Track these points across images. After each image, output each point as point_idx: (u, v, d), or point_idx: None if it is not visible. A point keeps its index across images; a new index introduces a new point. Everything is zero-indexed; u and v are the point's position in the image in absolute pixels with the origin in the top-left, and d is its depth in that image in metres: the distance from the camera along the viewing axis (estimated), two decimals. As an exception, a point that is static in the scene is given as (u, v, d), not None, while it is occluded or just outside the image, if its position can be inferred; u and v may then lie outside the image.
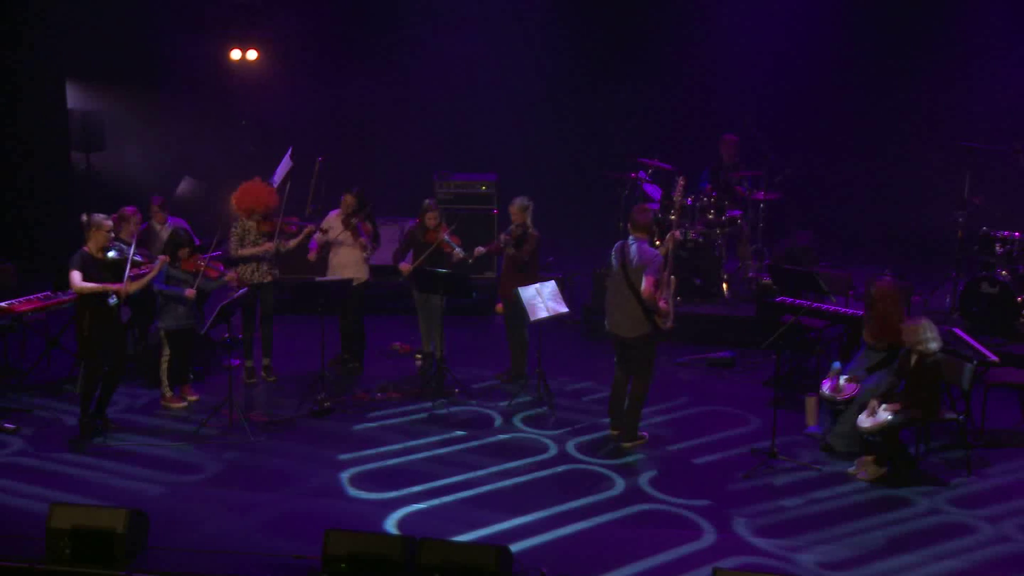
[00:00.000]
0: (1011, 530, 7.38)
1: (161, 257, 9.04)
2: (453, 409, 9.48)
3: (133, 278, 8.60)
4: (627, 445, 8.68)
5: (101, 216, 8.58)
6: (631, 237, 8.50)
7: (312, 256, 10.23)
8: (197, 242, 9.69)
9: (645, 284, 8.27)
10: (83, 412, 8.70)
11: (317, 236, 10.21)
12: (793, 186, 13.12)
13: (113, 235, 8.66)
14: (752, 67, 14.97)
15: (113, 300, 8.52)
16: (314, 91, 15.64)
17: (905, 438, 8.16)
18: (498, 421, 9.31)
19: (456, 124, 15.46)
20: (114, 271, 8.53)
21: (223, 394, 8.99)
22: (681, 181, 9.26)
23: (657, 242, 12.07)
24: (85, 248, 8.52)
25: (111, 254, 8.51)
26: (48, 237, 13.40)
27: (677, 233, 8.59)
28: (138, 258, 8.87)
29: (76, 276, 8.40)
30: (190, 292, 9.11)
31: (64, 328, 10.10)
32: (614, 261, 8.56)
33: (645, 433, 8.86)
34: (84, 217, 8.67)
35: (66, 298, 9.46)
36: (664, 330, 8.50)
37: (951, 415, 8.26)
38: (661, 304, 8.34)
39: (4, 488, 7.79)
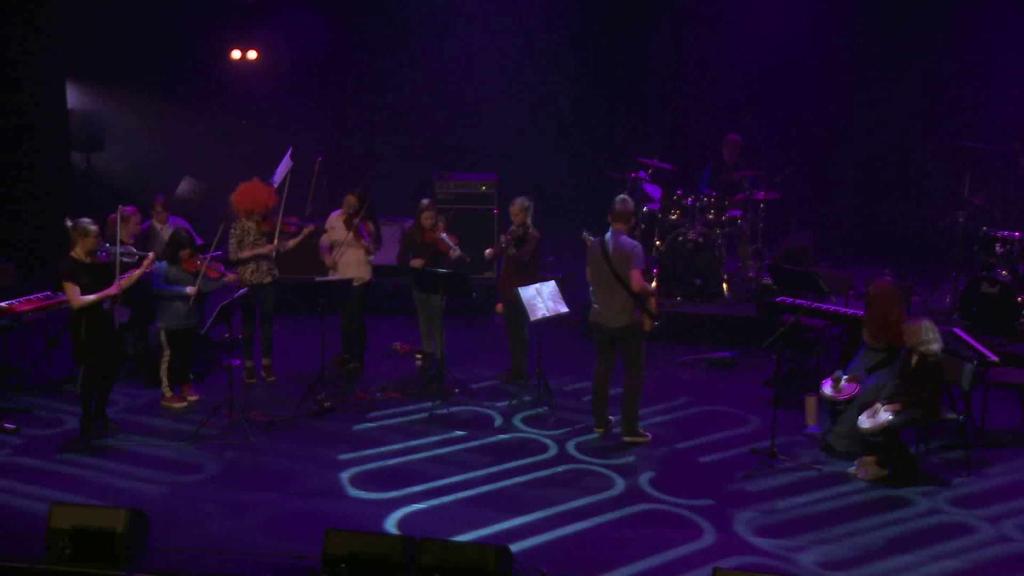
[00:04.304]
0: (1011, 530, 7.38)
1: (149, 254, 8.99)
2: (453, 409, 9.48)
3: (124, 278, 8.59)
4: (627, 439, 8.68)
5: (87, 221, 8.46)
6: (612, 228, 8.55)
7: (329, 260, 10.19)
8: (199, 242, 9.70)
9: (634, 278, 8.33)
10: (84, 413, 8.69)
11: (322, 237, 10.21)
12: (793, 186, 13.13)
13: (101, 238, 8.60)
14: (752, 66, 14.99)
15: (107, 304, 8.51)
16: (314, 90, 15.65)
17: (905, 438, 8.16)
18: (498, 421, 9.31)
19: (456, 124, 15.47)
20: (103, 274, 8.51)
21: (223, 394, 8.99)
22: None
23: (657, 242, 12.16)
24: (72, 254, 8.44)
25: (100, 255, 8.49)
26: (48, 237, 13.40)
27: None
28: (126, 260, 8.81)
29: (75, 291, 8.35)
30: (191, 289, 9.11)
31: (64, 328, 10.08)
32: (595, 253, 8.57)
33: (649, 434, 8.85)
34: (68, 222, 8.58)
35: (66, 298, 9.44)
36: (648, 330, 8.56)
37: (951, 415, 8.26)
38: (652, 301, 8.41)
39: (4, 488, 7.78)
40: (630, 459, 8.48)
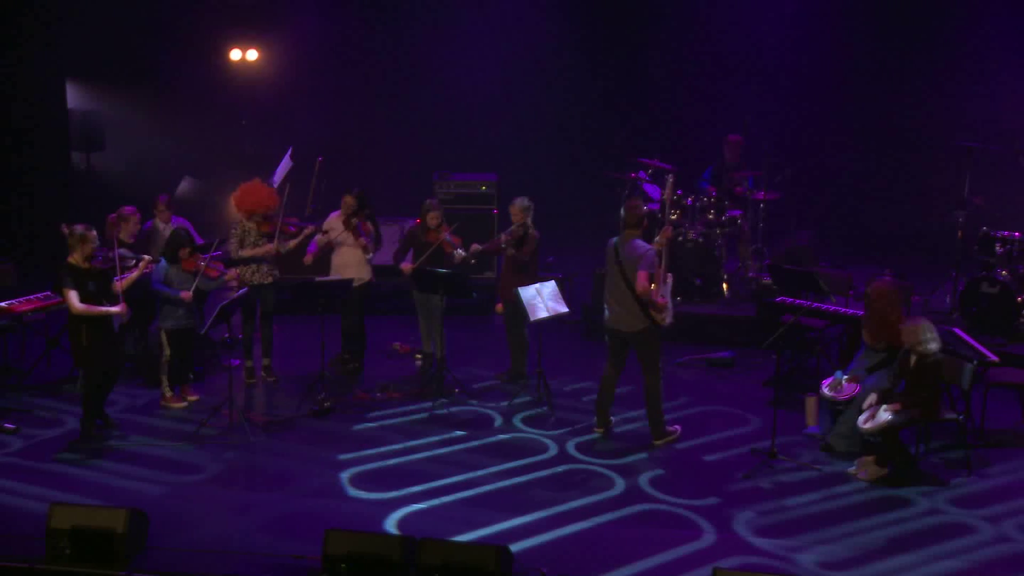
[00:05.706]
0: (1011, 530, 7.38)
1: (145, 257, 9.00)
2: (453, 409, 9.48)
3: (120, 280, 8.60)
4: (658, 443, 8.70)
5: (83, 227, 8.47)
6: (624, 234, 8.56)
7: (308, 259, 10.21)
8: (199, 241, 9.70)
9: (639, 279, 8.33)
10: (85, 414, 8.69)
11: (319, 237, 10.21)
12: (793, 186, 13.13)
13: (99, 242, 8.60)
14: (752, 67, 14.99)
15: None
16: (314, 91, 15.65)
17: (905, 438, 8.16)
18: (498, 421, 9.31)
19: (456, 124, 15.47)
20: (102, 278, 8.53)
21: (223, 394, 8.99)
22: (671, 179, 9.33)
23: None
24: (70, 260, 8.45)
25: (97, 260, 8.49)
26: (48, 237, 13.38)
27: (669, 230, 8.63)
28: (124, 264, 8.80)
29: (73, 296, 8.35)
30: (185, 294, 9.08)
31: (64, 328, 10.08)
32: (609, 258, 8.59)
33: (678, 427, 8.88)
34: (65, 229, 8.60)
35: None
36: (662, 326, 8.56)
37: (951, 415, 8.26)
38: (659, 300, 8.40)
39: (4, 488, 7.79)
40: (630, 459, 8.48)
